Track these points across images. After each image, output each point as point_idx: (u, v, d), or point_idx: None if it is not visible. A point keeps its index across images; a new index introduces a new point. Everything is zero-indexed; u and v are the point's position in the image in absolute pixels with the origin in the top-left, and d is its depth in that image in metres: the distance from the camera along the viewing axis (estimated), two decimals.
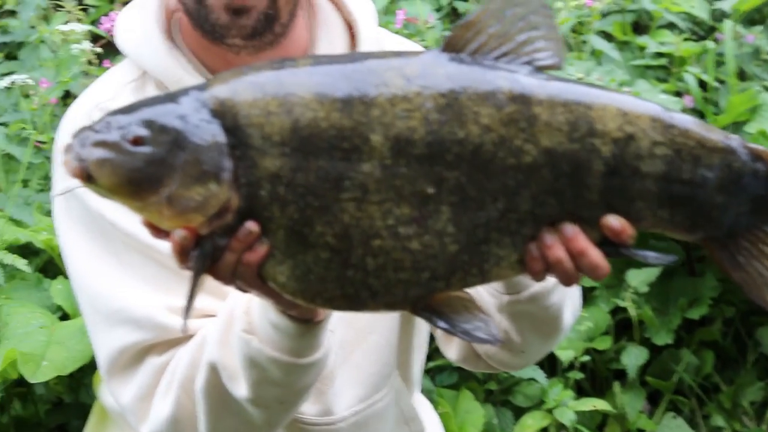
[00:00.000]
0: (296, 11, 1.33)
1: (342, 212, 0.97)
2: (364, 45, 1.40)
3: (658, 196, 1.01)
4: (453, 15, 2.71)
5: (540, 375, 2.08)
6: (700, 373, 2.35)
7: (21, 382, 1.73)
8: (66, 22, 2.11)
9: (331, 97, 0.97)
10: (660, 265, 1.04)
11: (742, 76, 2.54)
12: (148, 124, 0.96)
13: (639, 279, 2.21)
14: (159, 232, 0.99)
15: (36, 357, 1.59)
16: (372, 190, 0.97)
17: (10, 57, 2.62)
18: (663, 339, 2.24)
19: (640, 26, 2.79)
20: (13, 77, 1.98)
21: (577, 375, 2.16)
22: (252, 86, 0.97)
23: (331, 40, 1.40)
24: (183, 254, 0.97)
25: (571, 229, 1.00)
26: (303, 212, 0.97)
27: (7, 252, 1.77)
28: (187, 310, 0.99)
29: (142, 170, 0.95)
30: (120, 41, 1.38)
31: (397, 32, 2.12)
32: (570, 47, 2.43)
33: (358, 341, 1.42)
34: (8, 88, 1.97)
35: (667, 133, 1.00)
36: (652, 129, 1.00)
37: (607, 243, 1.02)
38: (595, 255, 1.01)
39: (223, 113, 0.97)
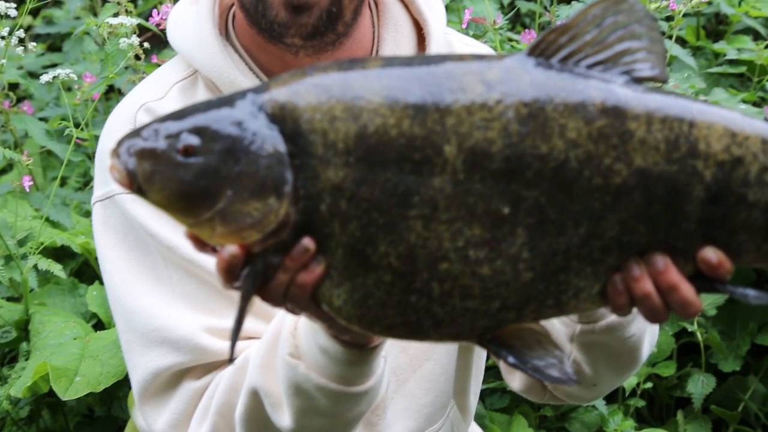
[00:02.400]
0: (361, 9, 1.24)
1: (408, 231, 0.88)
2: (434, 47, 1.30)
3: (764, 229, 0.91)
4: (516, 17, 2.60)
5: (600, 402, 1.97)
6: (767, 403, 2.22)
7: (51, 392, 1.65)
8: (115, 14, 2.03)
9: (403, 102, 0.88)
10: (761, 304, 0.92)
11: None
12: (200, 131, 0.87)
13: (707, 301, 2.09)
14: (204, 246, 0.90)
15: (69, 372, 1.52)
16: (442, 207, 0.88)
17: (54, 48, 2.56)
18: (730, 366, 2.12)
19: (707, 31, 2.66)
20: (57, 71, 1.90)
21: (639, 402, 2.05)
22: (315, 89, 0.88)
23: (397, 41, 1.31)
24: (231, 273, 0.88)
25: (663, 261, 0.91)
26: (366, 230, 0.88)
27: (42, 257, 1.69)
28: (235, 335, 0.90)
29: (193, 184, 0.87)
30: (171, 37, 1.30)
31: (459, 32, 2.01)
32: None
33: (412, 368, 1.32)
34: (49, 83, 1.89)
35: None
36: (762, 152, 0.90)
37: (700, 277, 0.92)
38: (688, 291, 0.91)
39: (283, 118, 0.88)
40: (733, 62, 2.27)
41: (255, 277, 0.89)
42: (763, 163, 0.90)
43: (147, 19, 2.01)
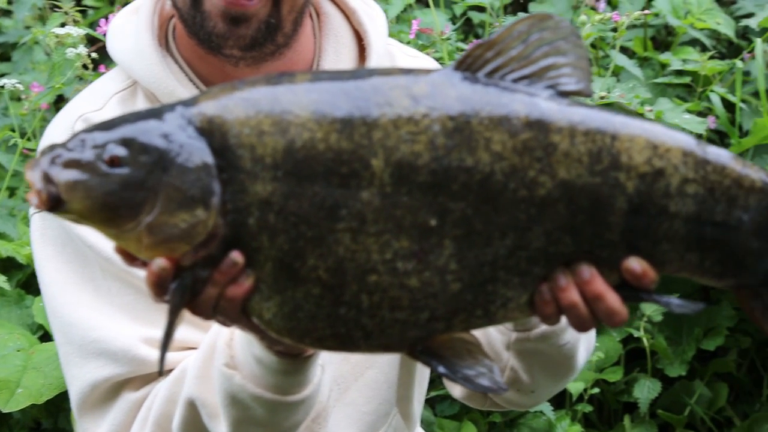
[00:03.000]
0: (301, 20, 1.24)
1: (336, 244, 0.89)
2: (374, 58, 1.32)
3: (686, 239, 0.93)
4: (466, 26, 2.62)
5: (547, 407, 1.99)
6: (713, 407, 2.26)
7: None
8: (62, 24, 2.03)
9: (330, 116, 0.89)
10: (685, 313, 0.94)
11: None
12: (127, 142, 0.88)
13: (653, 307, 2.12)
14: (134, 259, 0.90)
15: (10, 384, 1.51)
16: (370, 220, 0.89)
17: (3, 58, 2.54)
18: (676, 371, 2.15)
19: (657, 42, 2.70)
20: (3, 80, 1.89)
21: (586, 408, 2.07)
22: (244, 103, 0.89)
23: (338, 51, 1.32)
24: (160, 287, 0.89)
25: (588, 271, 0.92)
26: (294, 243, 0.89)
27: None
28: (164, 349, 0.91)
29: (118, 194, 0.87)
30: (110, 48, 1.30)
31: (409, 43, 2.03)
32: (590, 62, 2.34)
33: (354, 377, 1.33)
34: None
35: (700, 169, 0.92)
36: (683, 164, 0.92)
37: (627, 287, 0.94)
38: (613, 300, 0.93)
39: (211, 132, 0.89)
40: (682, 73, 2.30)
41: (184, 290, 0.90)
42: (684, 174, 0.92)
43: (95, 29, 2.00)
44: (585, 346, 1.29)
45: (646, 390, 2.09)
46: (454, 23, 2.35)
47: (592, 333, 1.32)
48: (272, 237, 0.89)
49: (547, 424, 2.03)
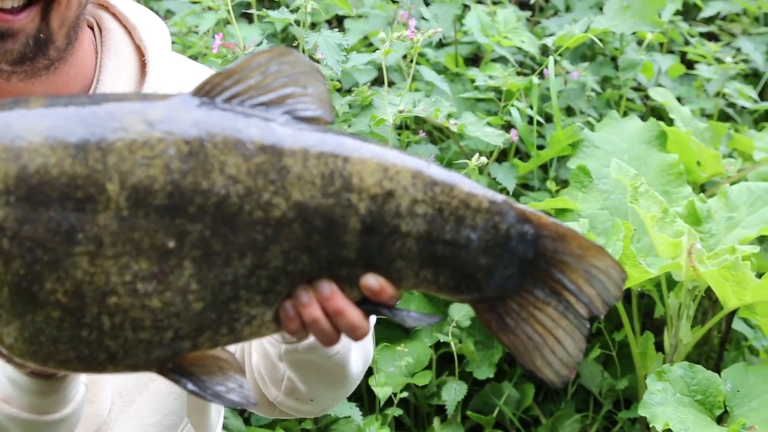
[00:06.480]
0: (76, 34, 1.25)
1: (74, 267, 0.91)
2: (154, 73, 1.33)
3: (419, 257, 0.98)
4: (291, 42, 2.65)
5: (356, 413, 2.03)
6: (520, 407, 2.34)
7: None
8: None
9: (64, 141, 0.90)
10: (421, 326, 0.99)
11: (571, 111, 2.56)
12: None
13: (461, 313, 2.19)
14: None
15: None
16: (107, 243, 0.91)
17: None
18: (484, 373, 2.22)
19: (479, 58, 2.78)
20: None
21: (396, 411, 2.13)
22: None
23: (119, 67, 1.33)
24: None
25: (329, 288, 0.97)
26: (31, 268, 0.90)
27: None
28: None
29: None
30: None
31: (214, 57, 2.05)
32: (403, 77, 2.41)
33: (138, 389, 1.35)
34: None
35: (428, 190, 0.97)
36: (412, 186, 0.97)
37: (369, 302, 0.98)
38: (354, 315, 0.97)
39: None
40: (490, 88, 2.38)
41: None
42: (413, 195, 0.97)
43: None
44: (360, 355, 1.33)
45: (453, 392, 2.16)
46: (279, 39, 2.38)
47: (368, 342, 1.36)
48: (7, 262, 0.90)
49: (357, 429, 2.07)
